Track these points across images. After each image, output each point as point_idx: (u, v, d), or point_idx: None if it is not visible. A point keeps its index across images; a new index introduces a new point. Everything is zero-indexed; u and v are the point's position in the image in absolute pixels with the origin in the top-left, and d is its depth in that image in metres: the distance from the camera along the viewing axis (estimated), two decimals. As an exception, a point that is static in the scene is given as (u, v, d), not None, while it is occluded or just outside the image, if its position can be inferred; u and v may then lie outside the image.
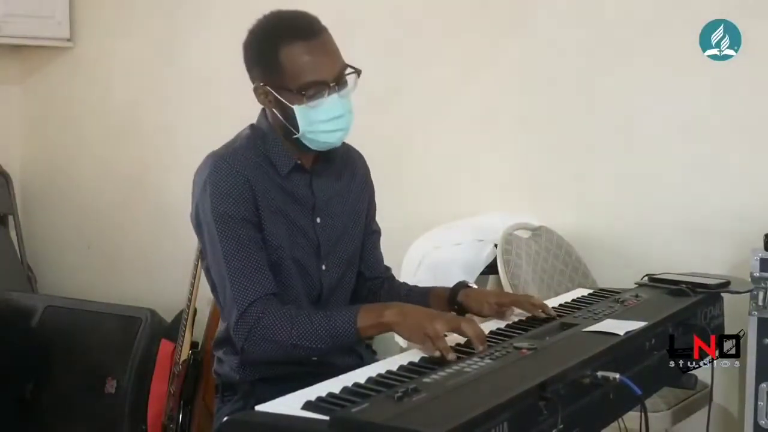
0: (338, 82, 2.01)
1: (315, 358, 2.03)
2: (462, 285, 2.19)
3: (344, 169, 2.21)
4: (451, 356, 1.69)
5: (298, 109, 2.00)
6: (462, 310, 2.13)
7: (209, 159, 2.04)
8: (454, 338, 1.80)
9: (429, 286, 2.27)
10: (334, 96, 2.00)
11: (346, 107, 2.03)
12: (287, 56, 1.98)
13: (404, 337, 1.87)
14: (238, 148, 2.07)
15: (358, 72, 2.05)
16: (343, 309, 2.00)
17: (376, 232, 2.30)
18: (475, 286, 2.21)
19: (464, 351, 1.73)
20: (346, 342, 1.92)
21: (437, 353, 1.73)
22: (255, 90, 2.07)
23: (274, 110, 2.05)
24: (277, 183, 2.06)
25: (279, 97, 2.01)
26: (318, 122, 2.01)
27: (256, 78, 2.06)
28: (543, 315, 2.03)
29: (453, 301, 2.15)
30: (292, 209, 2.07)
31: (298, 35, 1.99)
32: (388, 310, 1.90)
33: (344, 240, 2.18)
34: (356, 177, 2.24)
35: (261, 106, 2.14)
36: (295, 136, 2.04)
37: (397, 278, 2.36)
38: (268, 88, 2.02)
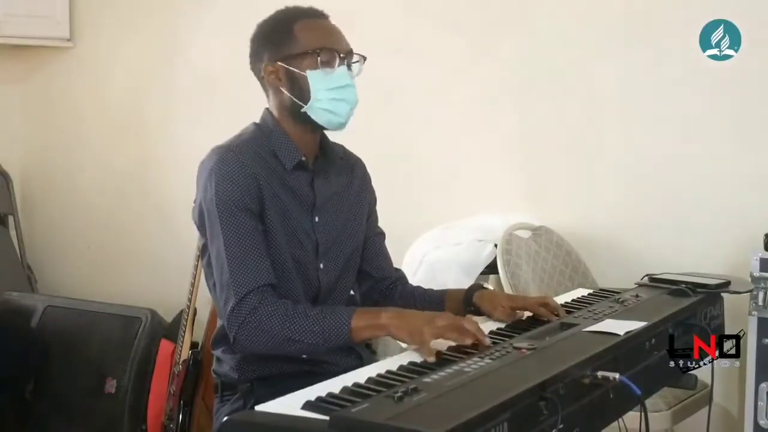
0: (347, 57, 2.09)
1: (305, 356, 2.03)
2: (477, 287, 2.21)
3: (343, 170, 2.23)
4: (431, 359, 1.70)
5: (311, 74, 2.05)
6: (477, 312, 2.14)
7: (216, 150, 2.05)
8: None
9: (446, 289, 2.27)
10: (344, 68, 2.07)
11: (353, 83, 2.09)
12: (302, 27, 2.08)
13: (401, 340, 1.87)
14: (244, 141, 2.08)
15: (363, 58, 2.12)
16: (340, 308, 2.00)
17: (380, 234, 2.32)
18: (490, 287, 2.21)
19: (466, 351, 1.73)
20: (337, 341, 1.91)
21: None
22: (264, 71, 2.09)
23: (281, 89, 2.08)
24: (280, 179, 2.07)
25: (291, 68, 2.06)
26: (328, 90, 2.05)
27: (264, 61, 2.09)
28: (555, 318, 2.00)
29: (468, 302, 2.16)
30: (292, 207, 2.08)
31: (311, 15, 2.12)
32: (385, 312, 1.90)
33: (342, 240, 2.18)
34: (355, 179, 2.25)
35: (261, 106, 2.15)
36: (303, 109, 2.06)
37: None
38: (279, 63, 2.06)
